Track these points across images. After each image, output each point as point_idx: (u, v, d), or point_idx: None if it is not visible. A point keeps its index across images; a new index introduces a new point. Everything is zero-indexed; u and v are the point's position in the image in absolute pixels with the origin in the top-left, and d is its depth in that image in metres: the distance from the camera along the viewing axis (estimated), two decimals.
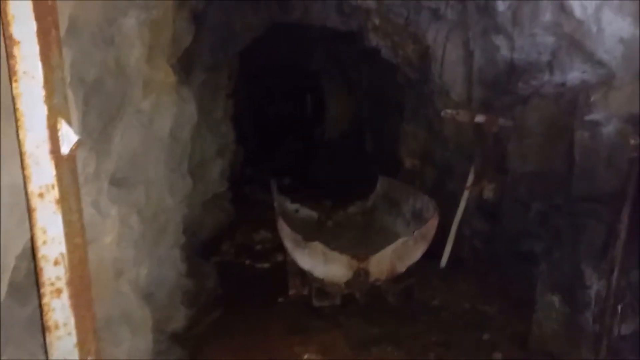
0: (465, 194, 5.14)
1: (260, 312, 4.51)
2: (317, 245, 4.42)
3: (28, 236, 1.72)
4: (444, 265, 5.24)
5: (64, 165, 1.47)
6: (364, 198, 6.66)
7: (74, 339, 1.57)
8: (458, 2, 4.84)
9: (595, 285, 3.38)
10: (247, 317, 4.39)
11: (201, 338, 4.03)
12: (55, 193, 1.44)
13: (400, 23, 5.69)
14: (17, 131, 1.42)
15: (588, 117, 3.48)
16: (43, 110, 1.40)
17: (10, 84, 1.41)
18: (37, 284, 1.53)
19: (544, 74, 4.03)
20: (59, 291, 1.51)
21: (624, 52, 3.29)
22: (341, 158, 10.36)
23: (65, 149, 1.47)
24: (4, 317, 1.89)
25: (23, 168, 1.42)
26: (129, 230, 3.06)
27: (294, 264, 4.70)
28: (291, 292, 4.81)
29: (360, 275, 4.44)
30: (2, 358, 1.89)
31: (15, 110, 1.40)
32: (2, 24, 1.37)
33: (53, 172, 1.43)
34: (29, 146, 1.41)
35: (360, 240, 5.48)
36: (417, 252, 4.58)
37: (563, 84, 3.86)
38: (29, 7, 1.34)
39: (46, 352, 1.61)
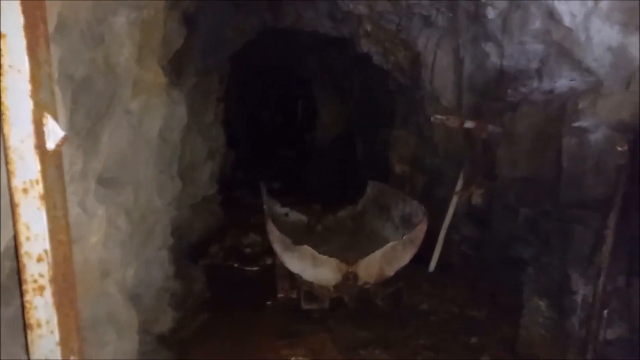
0: (454, 199, 5.16)
1: (249, 315, 4.48)
2: (306, 249, 4.41)
3: (11, 234, 1.69)
4: (432, 269, 5.25)
5: (49, 160, 1.46)
6: (353, 203, 6.66)
7: (56, 337, 1.55)
8: (449, 9, 4.88)
9: (582, 290, 3.40)
10: (235, 320, 4.36)
11: (188, 341, 3.99)
12: (39, 189, 1.42)
13: (392, 29, 5.73)
14: (1, 125, 1.40)
15: (576, 124, 3.51)
16: (29, 104, 1.39)
17: None
18: (20, 281, 1.50)
19: (533, 81, 4.07)
20: (41, 288, 1.49)
21: (612, 60, 3.33)
22: (332, 163, 10.38)
23: (50, 145, 1.45)
24: None
25: (7, 163, 1.40)
26: (116, 231, 3.03)
27: (283, 267, 4.69)
28: (280, 295, 4.79)
29: (349, 278, 4.44)
30: None
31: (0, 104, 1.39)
32: None
33: (38, 167, 1.41)
34: (13, 141, 1.39)
35: (350, 245, 5.48)
36: (406, 257, 4.58)
37: (551, 91, 3.89)
38: (16, 1, 1.33)
39: (27, 351, 1.58)
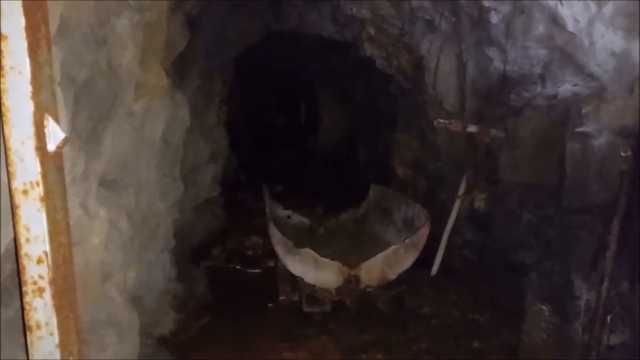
0: (457, 203, 5.15)
1: (250, 317, 4.48)
2: (308, 252, 4.41)
3: (12, 235, 1.69)
4: (434, 273, 5.23)
5: (50, 162, 1.45)
6: (356, 206, 6.65)
7: (55, 339, 1.55)
8: (452, 14, 4.88)
9: (585, 295, 3.38)
10: (237, 323, 4.36)
11: (190, 343, 3.99)
12: (39, 190, 1.42)
13: (395, 34, 5.73)
14: (2, 127, 1.40)
15: (579, 129, 3.50)
16: (29, 106, 1.39)
17: None
18: (19, 282, 1.50)
19: (536, 86, 4.05)
20: (41, 290, 1.49)
21: (615, 65, 3.32)
22: (334, 166, 10.38)
23: (51, 146, 1.45)
24: None
25: (7, 164, 1.40)
26: (118, 233, 3.03)
27: (284, 269, 4.68)
28: (281, 298, 4.79)
29: (351, 282, 4.42)
30: None
31: (0, 105, 1.39)
32: None
33: (38, 169, 1.41)
34: (14, 142, 1.39)
35: (352, 248, 5.47)
36: (408, 260, 4.57)
37: (555, 96, 3.88)
38: (18, 2, 1.33)
39: (27, 353, 1.58)
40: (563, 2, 3.43)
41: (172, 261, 4.27)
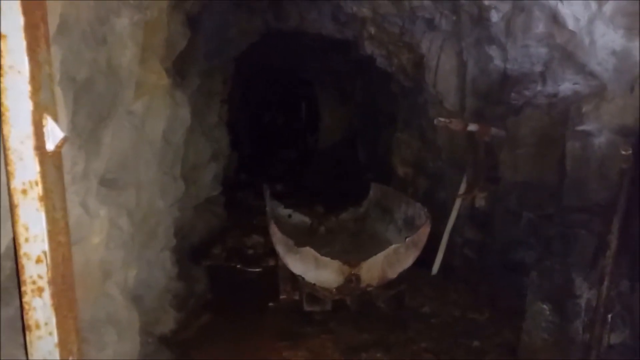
0: (457, 202, 5.15)
1: (251, 316, 4.48)
2: (309, 251, 4.41)
3: (12, 235, 1.70)
4: (435, 272, 5.24)
5: (49, 161, 1.45)
6: (356, 205, 6.65)
7: (55, 338, 1.55)
8: (452, 12, 4.87)
9: (585, 294, 3.38)
10: (237, 322, 4.36)
11: (190, 342, 3.99)
12: (38, 190, 1.42)
13: (396, 32, 5.72)
14: (1, 126, 1.40)
15: (579, 128, 3.50)
16: (28, 105, 1.39)
17: None
18: (19, 282, 1.50)
19: (537, 84, 4.05)
20: (40, 290, 1.49)
21: (615, 64, 3.31)
22: (335, 165, 10.38)
23: (50, 146, 1.45)
24: None
25: (6, 164, 1.40)
26: (118, 232, 3.04)
27: (285, 268, 4.68)
28: (282, 297, 4.79)
29: (352, 281, 4.42)
30: None
31: None
32: None
33: (37, 168, 1.41)
34: (13, 142, 1.39)
35: (352, 247, 5.48)
36: (408, 259, 4.57)
37: (555, 95, 3.88)
38: (16, 1, 1.33)
39: (26, 352, 1.58)
40: (563, 0, 3.43)
41: (172, 260, 4.27)
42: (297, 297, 4.71)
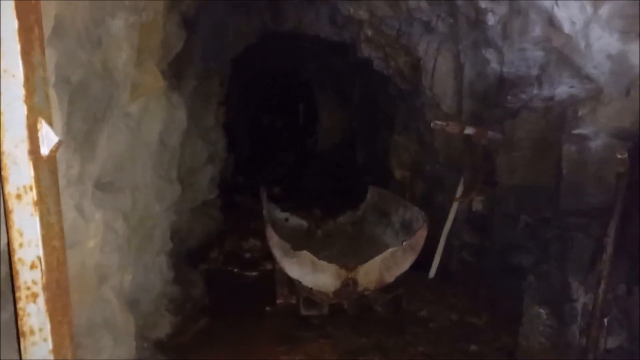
0: (455, 205, 5.15)
1: (248, 320, 4.46)
2: (306, 255, 4.39)
3: (6, 239, 1.68)
4: (432, 276, 5.23)
5: (43, 166, 1.44)
6: (354, 208, 6.64)
7: (49, 345, 1.53)
8: (449, 15, 4.88)
9: (582, 298, 3.38)
10: (234, 326, 4.34)
11: (186, 346, 3.97)
12: (33, 194, 1.41)
13: (392, 35, 5.73)
14: None
15: (576, 131, 3.50)
16: (22, 109, 1.37)
17: None
18: (13, 287, 1.49)
19: (533, 87, 4.05)
20: (34, 295, 1.47)
21: (611, 67, 3.32)
22: (332, 168, 10.37)
23: (44, 150, 1.44)
24: None
25: (1, 168, 1.39)
26: (114, 236, 3.02)
27: (282, 272, 4.66)
28: (279, 301, 4.76)
29: (349, 284, 4.41)
30: None
31: None
32: None
33: (31, 173, 1.40)
34: (7, 146, 1.38)
35: (350, 250, 5.46)
36: (405, 263, 4.56)
37: (551, 98, 3.88)
38: (10, 4, 1.32)
39: (21, 358, 1.57)
40: (559, 3, 3.43)
41: (169, 264, 4.25)
42: (294, 301, 4.70)
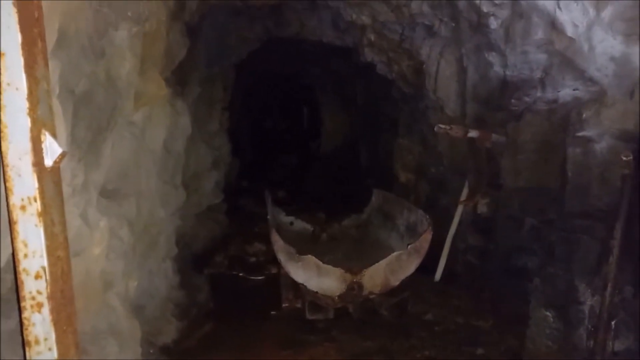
0: (459, 208, 5.14)
1: (253, 325, 4.46)
2: (311, 259, 4.40)
3: (11, 249, 1.70)
4: (438, 279, 5.22)
5: (47, 177, 1.46)
6: (358, 211, 6.64)
7: (54, 354, 1.55)
8: (451, 19, 4.88)
9: (589, 301, 3.37)
10: (240, 330, 4.35)
11: (192, 351, 3.97)
12: (37, 206, 1.43)
13: (395, 39, 5.74)
14: None
15: (580, 134, 3.49)
16: (26, 122, 1.40)
17: None
18: (18, 297, 1.51)
19: (536, 90, 4.05)
20: (39, 305, 1.49)
21: (615, 69, 3.31)
22: (336, 171, 10.38)
23: (48, 161, 1.46)
24: None
25: (5, 180, 1.41)
26: (119, 242, 3.04)
27: (287, 276, 4.67)
28: (284, 305, 4.76)
29: (354, 288, 4.41)
30: None
31: None
32: None
33: (35, 184, 1.42)
34: (11, 158, 1.40)
35: (355, 254, 5.46)
36: (411, 266, 4.56)
37: (555, 101, 3.88)
38: (14, 18, 1.34)
39: None
40: (561, 5, 3.43)
41: (174, 269, 4.27)
42: (299, 306, 4.70)
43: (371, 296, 4.52)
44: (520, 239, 4.31)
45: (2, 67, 1.37)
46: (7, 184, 1.42)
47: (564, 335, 3.50)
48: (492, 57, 4.42)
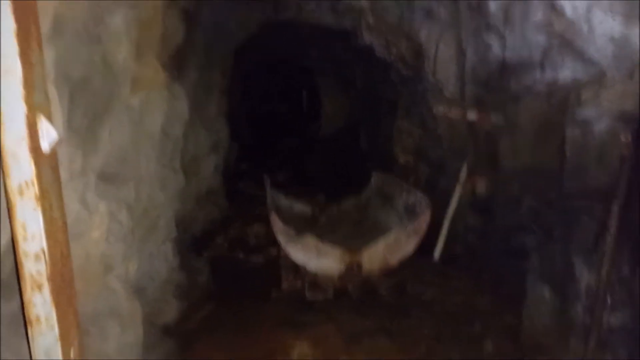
0: (458, 189, 5.16)
1: (253, 306, 4.52)
2: (310, 239, 4.44)
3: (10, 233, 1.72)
4: (436, 258, 5.26)
5: (44, 162, 1.48)
6: (357, 193, 6.67)
7: (56, 332, 1.59)
8: (451, 1, 4.83)
9: (585, 278, 3.40)
10: (240, 311, 4.41)
11: (193, 332, 4.04)
12: (35, 190, 1.45)
13: (394, 22, 5.68)
14: None
15: (579, 115, 3.49)
16: (22, 108, 1.41)
17: None
18: (19, 279, 1.54)
19: (536, 72, 4.02)
20: (40, 286, 1.53)
21: (614, 51, 3.29)
22: (335, 154, 10.38)
23: (45, 146, 1.47)
24: None
25: (2, 165, 1.43)
26: (118, 226, 3.06)
27: (287, 258, 4.72)
28: (284, 286, 4.82)
29: (353, 268, 4.46)
30: None
31: None
32: None
33: (32, 168, 1.44)
34: (8, 143, 1.41)
35: (354, 235, 5.50)
36: (409, 246, 4.61)
37: (554, 82, 3.86)
38: (8, 5, 1.35)
39: (29, 347, 1.62)
40: None
41: (174, 251, 4.30)
42: (299, 286, 4.76)
43: (370, 276, 4.56)
44: (519, 220, 4.33)
45: None
46: (5, 169, 1.44)
47: (560, 312, 3.54)
48: (491, 39, 4.39)
